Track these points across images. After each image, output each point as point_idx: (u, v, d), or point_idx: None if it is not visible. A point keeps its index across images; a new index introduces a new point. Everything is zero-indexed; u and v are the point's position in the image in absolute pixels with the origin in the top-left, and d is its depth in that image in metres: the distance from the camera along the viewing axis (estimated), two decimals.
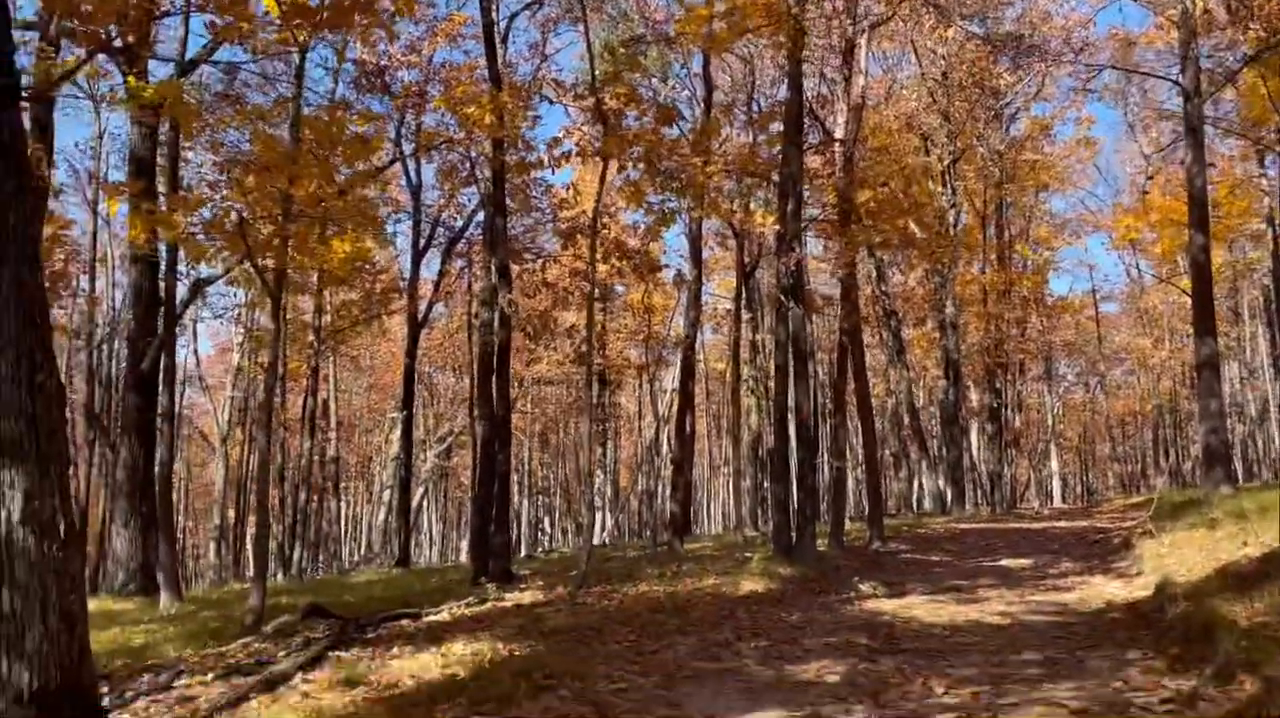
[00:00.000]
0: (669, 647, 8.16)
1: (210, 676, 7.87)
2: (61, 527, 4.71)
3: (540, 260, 23.59)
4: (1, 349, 4.64)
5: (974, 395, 35.02)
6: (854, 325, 17.04)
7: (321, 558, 31.97)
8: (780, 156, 14.94)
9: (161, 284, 15.79)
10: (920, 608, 9.82)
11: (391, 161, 23.30)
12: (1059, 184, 34.98)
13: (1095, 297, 41.35)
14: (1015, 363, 33.78)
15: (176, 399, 17.94)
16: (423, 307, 25.45)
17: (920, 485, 33.25)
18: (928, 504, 30.22)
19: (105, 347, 26.76)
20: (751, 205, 19.74)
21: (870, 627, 8.81)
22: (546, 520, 47.46)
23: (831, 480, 18.58)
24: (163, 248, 15.55)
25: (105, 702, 5.92)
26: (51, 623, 4.58)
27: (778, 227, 14.43)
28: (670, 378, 32.78)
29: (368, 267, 23.59)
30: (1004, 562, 13.32)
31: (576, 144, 14.52)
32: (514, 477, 31.22)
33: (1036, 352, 35.67)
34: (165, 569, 13.67)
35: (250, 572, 19.30)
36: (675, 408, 24.25)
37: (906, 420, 30.75)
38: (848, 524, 17.98)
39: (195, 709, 6.74)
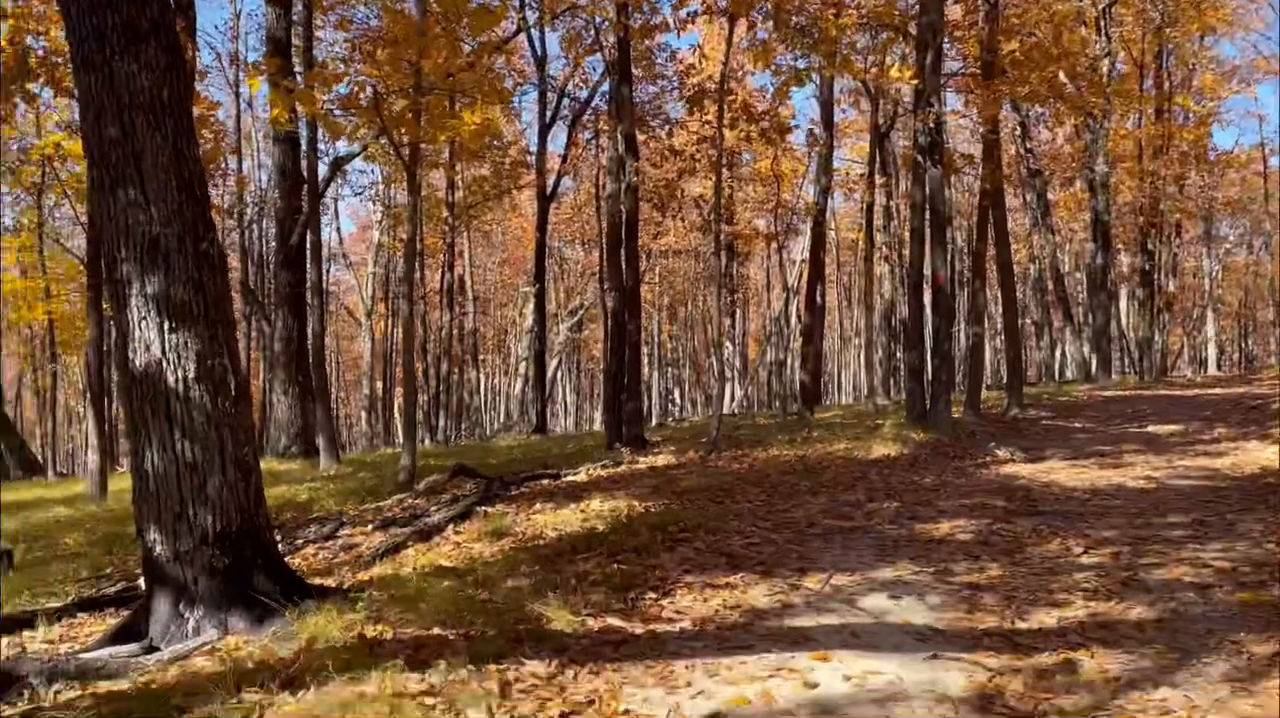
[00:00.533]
0: (800, 506, 8.31)
1: (369, 527, 8.49)
2: (232, 385, 5.08)
3: (667, 128, 23.26)
4: (168, 220, 4.93)
5: (1124, 259, 33.24)
6: (996, 185, 16.26)
7: (464, 426, 33.45)
8: (918, 6, 14.11)
9: (303, 163, 16.35)
10: (1060, 472, 9.64)
11: (516, 32, 23.12)
12: (1227, 27, 31.81)
13: (1264, 150, 38.01)
14: (1171, 223, 31.71)
15: (324, 274, 18.74)
16: (551, 180, 25.58)
17: (1063, 354, 32.15)
18: (1071, 373, 29.23)
19: (255, 226, 28.06)
20: (887, 61, 18.80)
21: (1006, 490, 8.73)
22: (676, 392, 48.15)
23: (968, 348, 18.13)
24: (303, 128, 16.05)
25: (278, 547, 6.44)
26: (229, 472, 4.99)
27: (915, 82, 13.73)
28: (799, 248, 32.25)
29: (496, 142, 23.77)
30: (1151, 428, 12.86)
31: (702, 3, 14.05)
32: (644, 348, 31.64)
33: (1196, 211, 33.35)
34: (323, 433, 14.59)
35: (400, 437, 20.38)
36: (804, 278, 23.94)
37: (1050, 286, 29.48)
38: (984, 393, 17.63)
39: (358, 555, 7.31)
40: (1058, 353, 33.17)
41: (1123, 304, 33.72)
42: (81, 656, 4.55)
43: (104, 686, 4.24)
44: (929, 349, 14.47)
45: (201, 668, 4.36)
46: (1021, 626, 4.93)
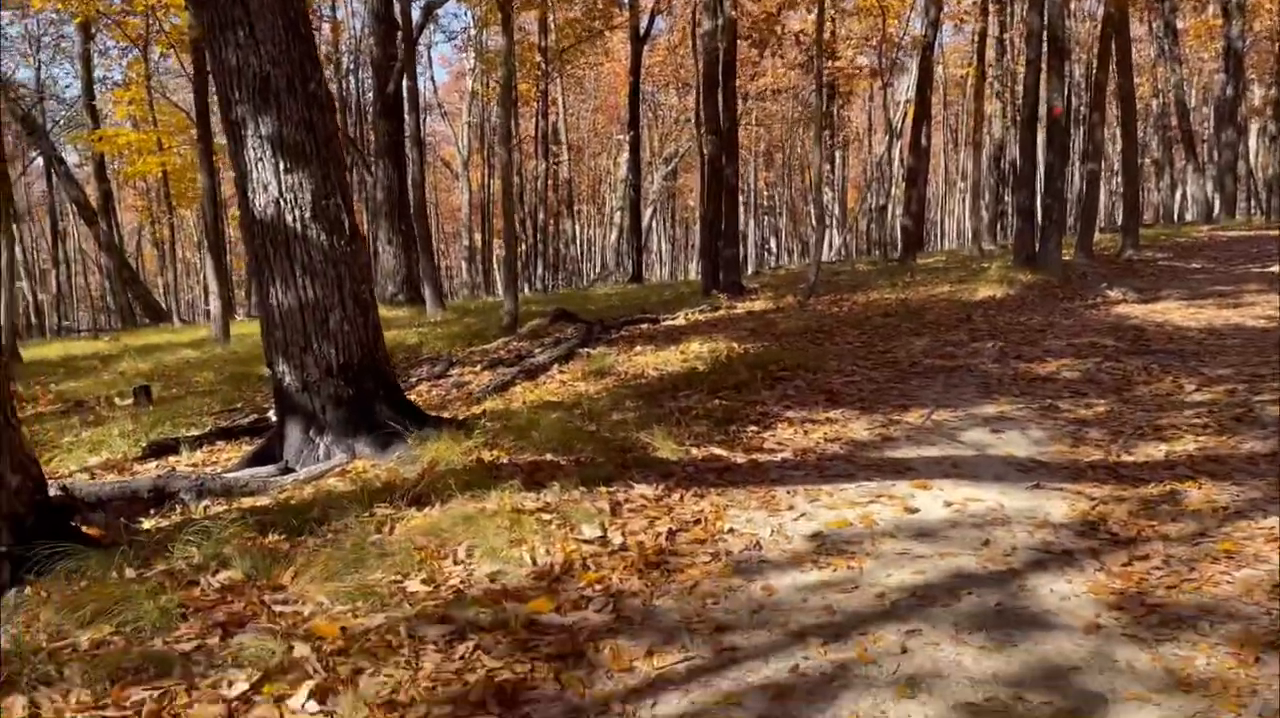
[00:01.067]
0: (901, 346, 8.27)
1: (478, 367, 8.80)
2: (346, 224, 5.24)
3: None
4: (276, 60, 5.00)
5: (1257, 92, 30.88)
6: (1121, 8, 15.11)
7: (560, 276, 33.81)
8: None
9: (396, 8, 16.16)
10: (1175, 312, 9.34)
11: None
12: None
13: None
14: None
15: (420, 123, 18.79)
16: (644, 20, 24.77)
17: (1184, 195, 30.49)
18: (1191, 214, 27.77)
19: (351, 77, 28.09)
20: None
21: (1117, 329, 8.51)
22: (772, 241, 47.47)
23: (1082, 186, 17.32)
24: None
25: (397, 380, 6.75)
26: (349, 307, 5.21)
27: None
28: (904, 87, 30.79)
29: None
30: (1275, 268, 12.25)
31: None
32: (740, 196, 31.09)
33: None
34: (428, 280, 14.95)
35: (500, 286, 20.75)
36: (909, 118, 22.97)
37: (1174, 121, 27.69)
38: (1097, 235, 16.93)
39: (469, 392, 7.61)
40: (1178, 194, 31.46)
41: (1252, 141, 31.58)
42: (225, 475, 4.93)
43: (247, 501, 4.61)
44: (1040, 189, 13.89)
45: (334, 487, 4.69)
46: (1127, 459, 4.91)
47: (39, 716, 2.70)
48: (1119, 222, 18.86)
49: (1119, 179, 24.92)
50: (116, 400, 8.47)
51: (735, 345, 8.49)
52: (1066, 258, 13.43)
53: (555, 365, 8.40)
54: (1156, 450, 5.00)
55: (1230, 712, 2.53)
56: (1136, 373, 6.75)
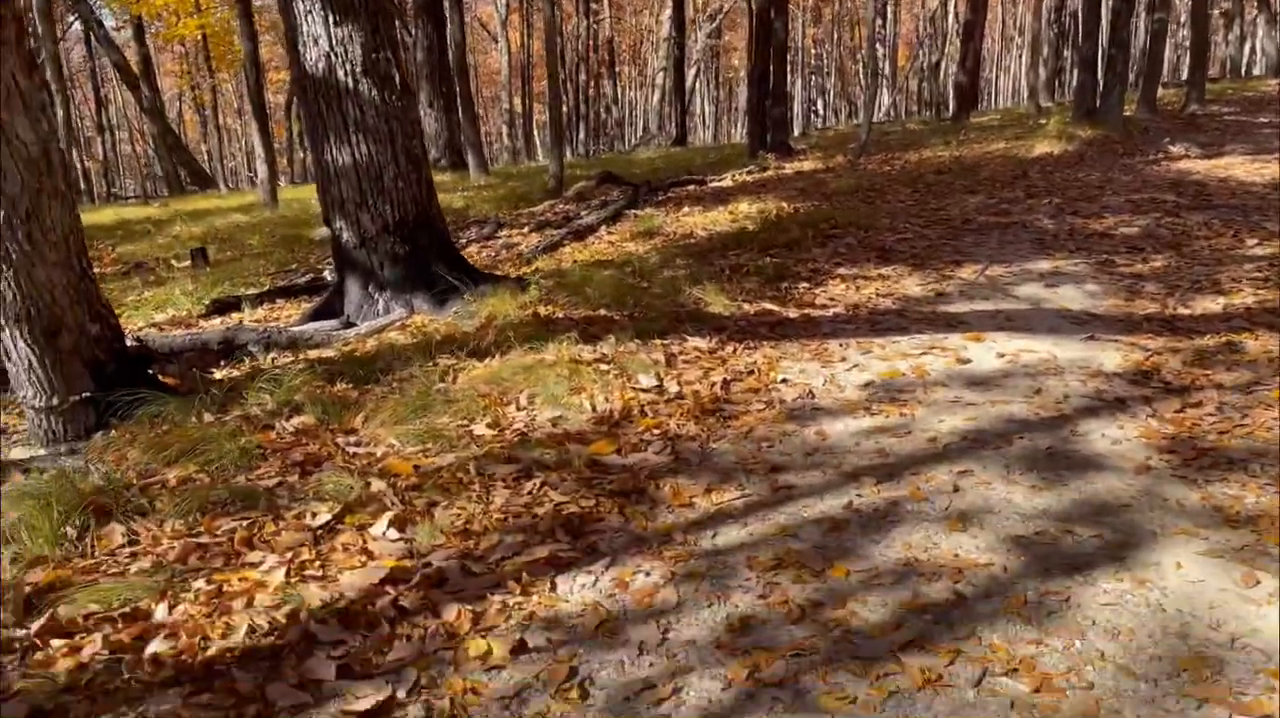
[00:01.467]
0: (954, 204, 8.15)
1: (526, 229, 8.84)
2: (396, 78, 5.20)
3: None
4: None
5: None
6: None
7: (601, 142, 33.29)
8: None
9: None
10: (1239, 168, 9.05)
11: None
12: None
13: None
14: None
15: None
16: None
17: (1254, 48, 29.01)
18: (1259, 69, 26.47)
19: None
20: None
21: (1178, 185, 8.29)
22: (819, 102, 46.10)
23: (1147, 38, 16.53)
24: None
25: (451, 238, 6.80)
26: (401, 163, 5.23)
27: None
28: None
29: None
30: None
31: None
32: (787, 54, 30.00)
33: None
34: (471, 145, 14.83)
35: (541, 152, 20.45)
36: None
37: None
38: (1161, 90, 16.25)
39: (519, 253, 7.67)
40: (1246, 47, 29.90)
41: None
42: (290, 329, 5.08)
43: (312, 353, 4.75)
44: (1103, 40, 13.28)
45: (395, 340, 4.82)
46: (1184, 312, 4.88)
47: (137, 543, 2.89)
48: (1183, 76, 18.07)
49: (1184, 32, 23.75)
50: (174, 262, 8.66)
51: (785, 205, 8.42)
52: (1128, 113, 12.97)
53: (603, 227, 8.41)
54: (1214, 304, 4.95)
55: (1277, 545, 2.60)
56: (1196, 228, 6.62)
